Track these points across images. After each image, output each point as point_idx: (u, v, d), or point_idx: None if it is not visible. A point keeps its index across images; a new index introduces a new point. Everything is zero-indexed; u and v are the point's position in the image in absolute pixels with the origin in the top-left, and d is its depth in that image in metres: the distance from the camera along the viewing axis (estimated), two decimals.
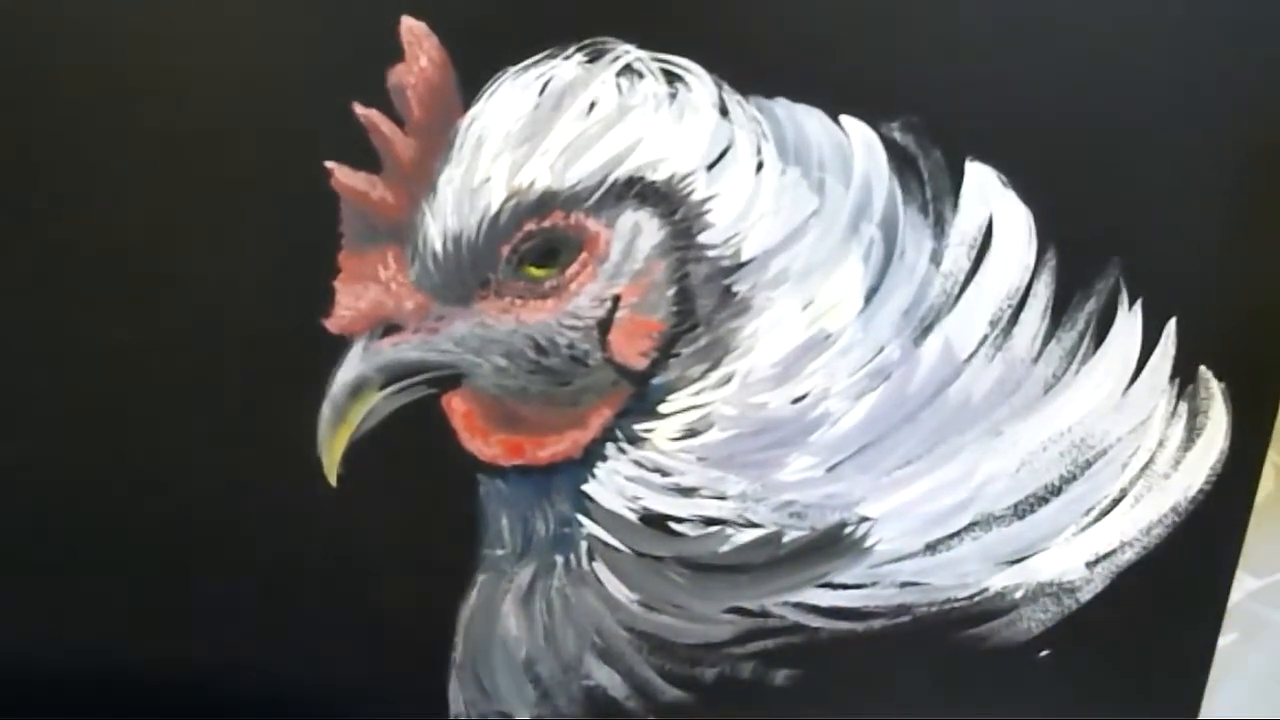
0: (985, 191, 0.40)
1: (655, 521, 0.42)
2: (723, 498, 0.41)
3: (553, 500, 0.42)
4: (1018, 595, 0.44)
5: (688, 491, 0.41)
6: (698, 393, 0.41)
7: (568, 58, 0.39)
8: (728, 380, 0.41)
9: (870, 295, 0.40)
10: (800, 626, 0.43)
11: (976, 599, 0.44)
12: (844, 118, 0.40)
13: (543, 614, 0.43)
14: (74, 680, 0.45)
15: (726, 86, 0.39)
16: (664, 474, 0.41)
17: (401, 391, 0.40)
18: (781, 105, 0.40)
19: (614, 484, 0.42)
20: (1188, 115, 0.40)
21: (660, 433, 0.41)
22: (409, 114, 0.39)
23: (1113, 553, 0.44)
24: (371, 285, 0.40)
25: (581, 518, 0.42)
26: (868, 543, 0.42)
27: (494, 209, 0.39)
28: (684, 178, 0.39)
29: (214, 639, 0.45)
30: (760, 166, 0.40)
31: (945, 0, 0.39)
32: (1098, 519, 0.43)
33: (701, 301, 0.40)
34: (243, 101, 0.39)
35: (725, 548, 0.42)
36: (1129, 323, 0.41)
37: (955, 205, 0.40)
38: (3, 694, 0.46)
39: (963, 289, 0.41)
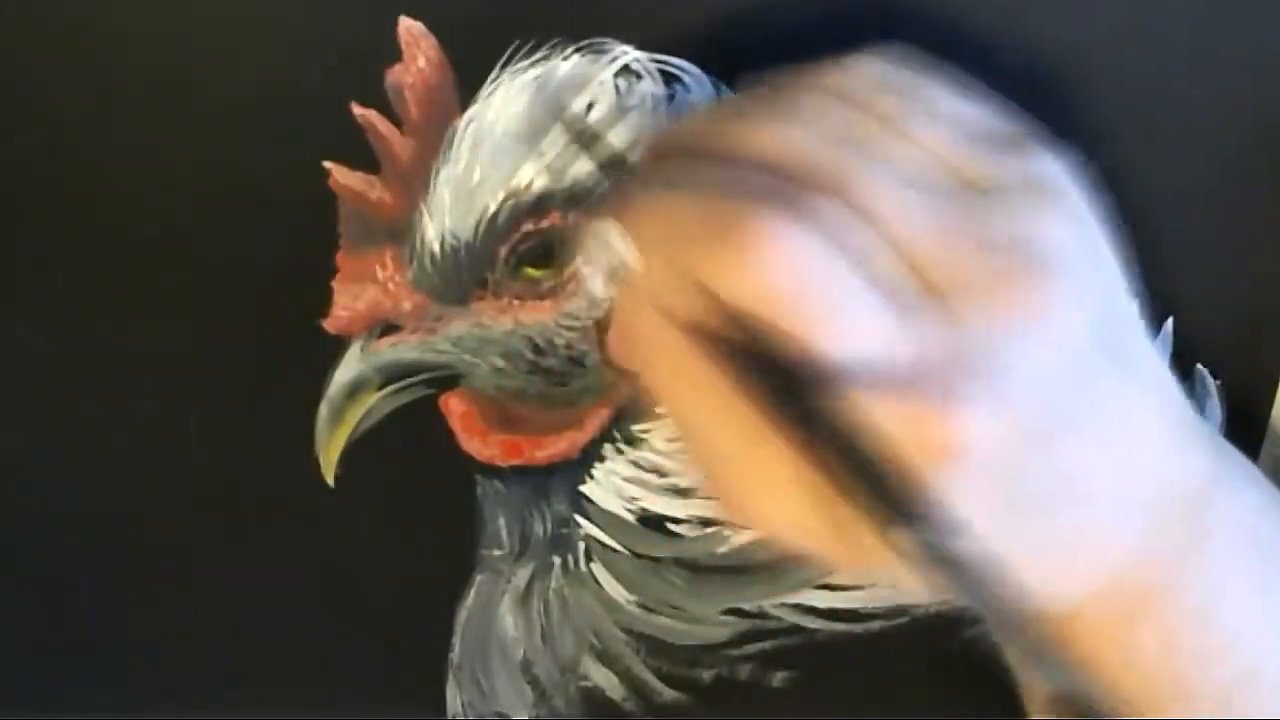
0: None
1: (653, 522, 0.42)
2: None
3: (550, 501, 0.42)
4: None
5: (685, 492, 0.41)
6: None
7: (565, 58, 0.39)
8: None
9: None
10: (798, 628, 0.43)
11: None
12: None
13: (540, 615, 0.43)
14: (72, 679, 0.45)
15: (724, 87, 0.39)
16: (662, 474, 0.41)
17: (399, 392, 0.40)
18: None
19: (612, 485, 0.42)
20: (1187, 115, 0.40)
21: (658, 433, 0.41)
22: (407, 114, 0.39)
23: None
24: (369, 285, 0.40)
25: (579, 518, 0.42)
26: None
27: (492, 210, 0.39)
28: None
29: (209, 638, 0.45)
30: None
31: (945, 0, 0.39)
32: None
33: None
34: (239, 101, 0.39)
35: (723, 549, 0.42)
36: None
37: None
38: (1, 692, 0.46)
39: None
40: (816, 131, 0.26)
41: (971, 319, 0.24)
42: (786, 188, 0.25)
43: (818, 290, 0.23)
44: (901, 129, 0.27)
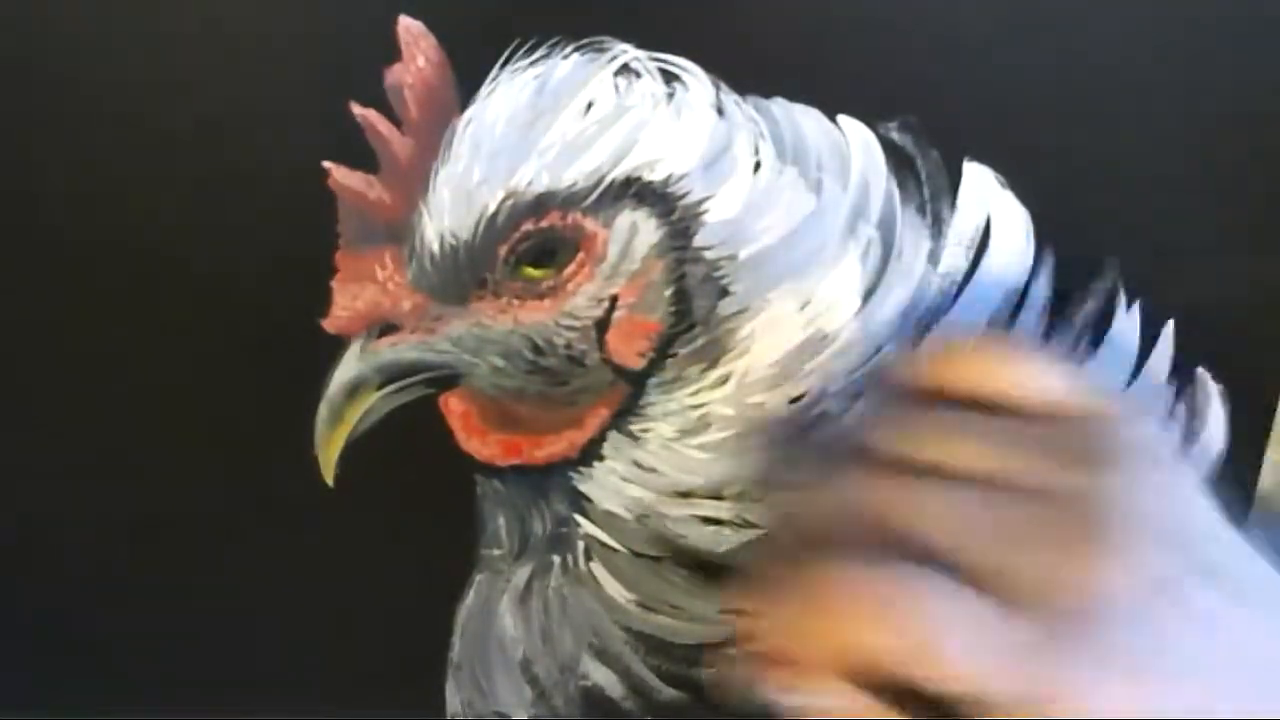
0: (983, 192, 0.40)
1: (653, 522, 0.42)
2: (720, 498, 0.41)
3: (550, 500, 0.42)
4: None
5: (685, 492, 0.41)
6: (695, 393, 0.41)
7: (565, 57, 0.39)
8: (725, 380, 0.41)
9: (868, 295, 0.40)
10: None
11: None
12: (841, 118, 0.40)
13: (540, 614, 0.43)
14: (72, 679, 0.46)
15: (724, 86, 0.39)
16: (661, 474, 0.41)
17: (399, 391, 0.40)
18: (779, 105, 0.39)
19: (611, 484, 0.42)
20: (1187, 115, 0.40)
21: (657, 433, 0.41)
22: (406, 114, 0.39)
23: None
24: (368, 285, 0.40)
25: (578, 518, 0.42)
26: None
27: (491, 209, 0.39)
28: (681, 178, 0.39)
29: (210, 638, 0.45)
30: (758, 166, 0.40)
31: (944, 0, 0.39)
32: None
33: (699, 302, 0.40)
34: (240, 101, 0.39)
35: (722, 548, 0.42)
36: (1127, 324, 0.41)
37: (953, 205, 0.40)
38: (2, 692, 0.46)
39: (960, 289, 0.41)
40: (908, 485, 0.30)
41: (1060, 607, 0.28)
42: (900, 565, 0.29)
43: (938, 643, 0.28)
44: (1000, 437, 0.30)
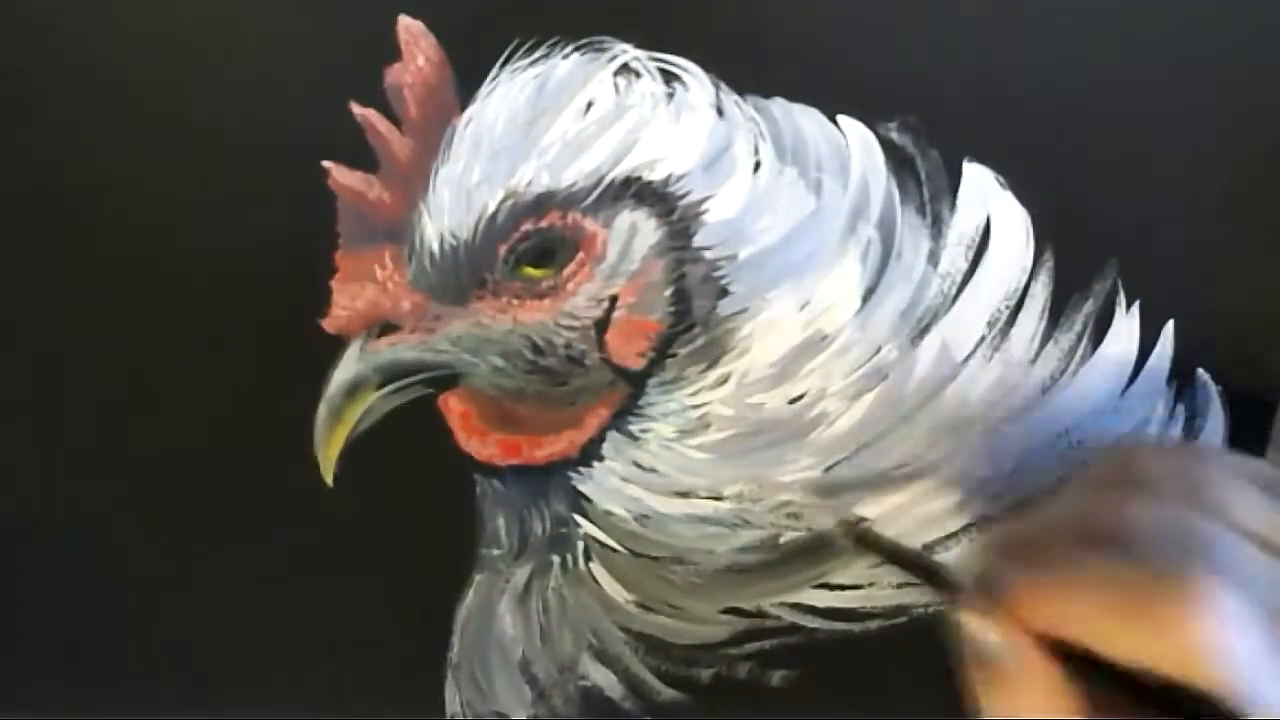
0: (983, 192, 0.40)
1: (652, 522, 0.42)
2: (719, 498, 0.41)
3: (549, 500, 0.42)
4: None
5: (684, 492, 0.41)
6: (695, 393, 0.41)
7: (565, 57, 0.39)
8: (725, 380, 0.41)
9: (867, 296, 0.40)
10: (797, 627, 0.43)
11: None
12: (841, 118, 0.40)
13: (539, 614, 0.43)
14: (72, 678, 0.46)
15: (724, 86, 0.39)
16: (661, 474, 0.41)
17: (398, 391, 0.40)
18: (779, 105, 0.40)
19: (611, 484, 0.42)
20: (1187, 116, 0.40)
21: (657, 433, 0.41)
22: (406, 113, 0.39)
23: None
24: (368, 285, 0.40)
25: (578, 518, 0.42)
26: None
27: (491, 209, 0.39)
28: (680, 178, 0.39)
29: (210, 638, 0.45)
30: (757, 167, 0.40)
31: (944, 0, 0.39)
32: None
33: (698, 302, 0.40)
34: (240, 101, 0.39)
35: (722, 548, 0.42)
36: (1127, 324, 0.41)
37: (953, 206, 0.40)
38: (2, 692, 0.46)
39: (960, 290, 0.41)
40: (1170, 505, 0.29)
41: None
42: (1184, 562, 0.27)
43: (1241, 655, 0.26)
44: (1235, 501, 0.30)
